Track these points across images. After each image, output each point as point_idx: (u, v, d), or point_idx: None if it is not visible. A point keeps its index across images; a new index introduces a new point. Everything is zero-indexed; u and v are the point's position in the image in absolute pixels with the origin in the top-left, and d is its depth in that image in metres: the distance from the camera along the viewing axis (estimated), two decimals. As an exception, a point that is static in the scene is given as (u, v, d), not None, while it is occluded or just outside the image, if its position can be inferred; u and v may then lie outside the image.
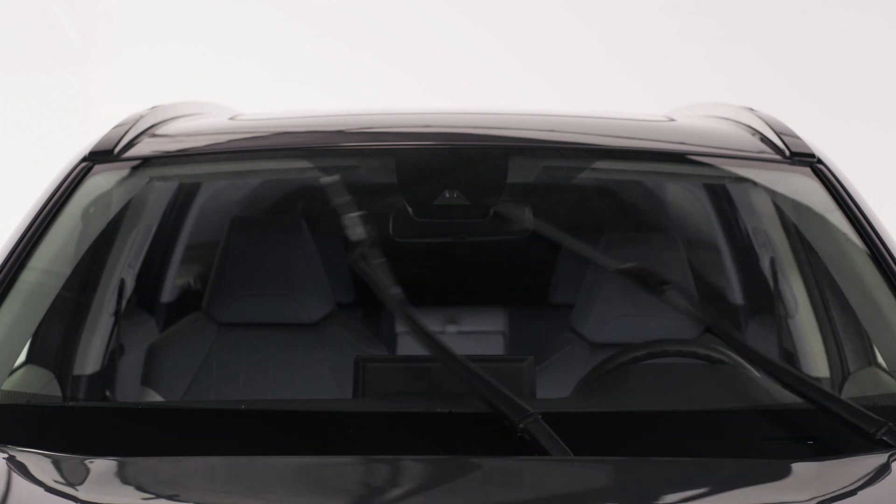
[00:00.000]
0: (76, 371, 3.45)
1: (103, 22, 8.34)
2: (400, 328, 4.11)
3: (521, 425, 2.55)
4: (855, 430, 2.62)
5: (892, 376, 3.05)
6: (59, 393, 3.25)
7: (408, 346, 4.13)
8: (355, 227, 3.00)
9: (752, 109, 3.62)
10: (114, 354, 3.58)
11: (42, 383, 3.20)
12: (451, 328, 4.23)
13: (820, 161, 3.27)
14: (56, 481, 2.55)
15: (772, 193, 3.65)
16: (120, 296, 3.62)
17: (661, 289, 3.13)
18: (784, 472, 2.56)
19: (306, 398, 3.59)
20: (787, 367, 3.07)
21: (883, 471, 2.55)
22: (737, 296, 4.26)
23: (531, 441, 2.53)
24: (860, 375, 3.30)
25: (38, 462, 2.58)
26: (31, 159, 7.96)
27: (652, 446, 2.65)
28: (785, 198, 3.58)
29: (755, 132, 3.43)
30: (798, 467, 2.59)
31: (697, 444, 2.66)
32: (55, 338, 3.37)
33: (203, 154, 3.46)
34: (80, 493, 2.46)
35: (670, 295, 3.16)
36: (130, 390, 3.66)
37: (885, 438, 2.60)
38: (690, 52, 8.20)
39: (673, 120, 3.81)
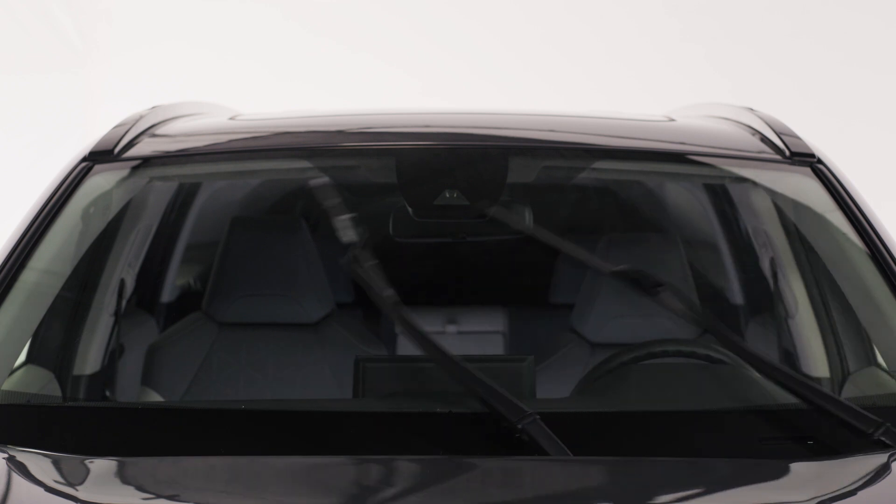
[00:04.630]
0: (76, 371, 3.45)
1: (103, 22, 8.33)
2: (400, 329, 4.10)
3: (520, 426, 2.55)
4: (853, 430, 2.62)
5: (892, 376, 3.05)
6: (59, 393, 3.25)
7: (407, 346, 4.13)
8: (346, 229, 3.01)
9: (752, 109, 3.62)
10: (114, 354, 3.58)
11: (42, 383, 3.19)
12: (451, 328, 4.23)
13: (820, 161, 3.27)
14: (56, 481, 2.55)
15: (772, 193, 3.64)
16: (120, 296, 3.62)
17: (655, 290, 3.11)
18: (784, 472, 2.55)
19: (306, 398, 3.59)
20: (782, 368, 3.06)
21: (883, 471, 2.55)
22: (737, 296, 4.26)
23: (530, 441, 2.53)
24: (860, 375, 3.30)
25: (38, 462, 2.58)
26: (31, 159, 7.96)
27: (652, 446, 2.64)
28: (785, 198, 3.58)
29: (755, 132, 3.43)
30: (798, 467, 2.58)
31: (697, 444, 2.66)
32: (55, 338, 3.36)
33: (203, 154, 3.46)
34: (80, 493, 2.46)
35: (666, 296, 3.15)
36: (130, 390, 3.66)
37: (882, 439, 2.59)
38: (690, 52, 8.20)
39: (673, 120, 3.81)
